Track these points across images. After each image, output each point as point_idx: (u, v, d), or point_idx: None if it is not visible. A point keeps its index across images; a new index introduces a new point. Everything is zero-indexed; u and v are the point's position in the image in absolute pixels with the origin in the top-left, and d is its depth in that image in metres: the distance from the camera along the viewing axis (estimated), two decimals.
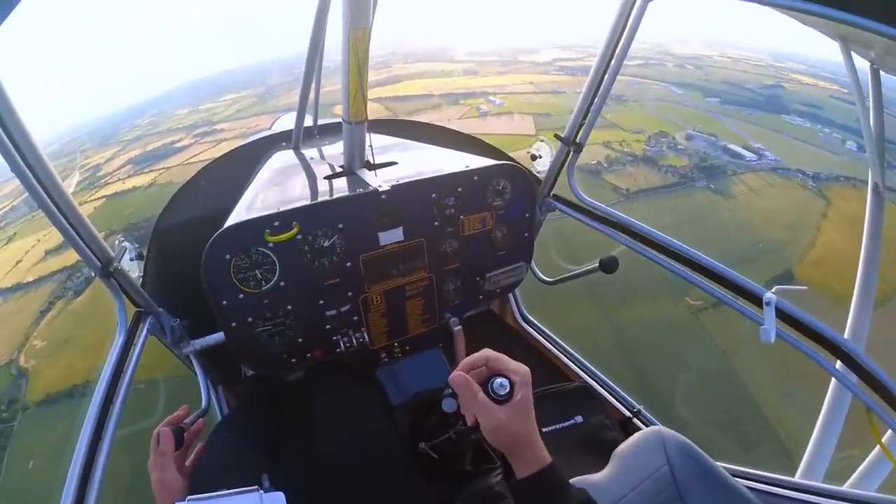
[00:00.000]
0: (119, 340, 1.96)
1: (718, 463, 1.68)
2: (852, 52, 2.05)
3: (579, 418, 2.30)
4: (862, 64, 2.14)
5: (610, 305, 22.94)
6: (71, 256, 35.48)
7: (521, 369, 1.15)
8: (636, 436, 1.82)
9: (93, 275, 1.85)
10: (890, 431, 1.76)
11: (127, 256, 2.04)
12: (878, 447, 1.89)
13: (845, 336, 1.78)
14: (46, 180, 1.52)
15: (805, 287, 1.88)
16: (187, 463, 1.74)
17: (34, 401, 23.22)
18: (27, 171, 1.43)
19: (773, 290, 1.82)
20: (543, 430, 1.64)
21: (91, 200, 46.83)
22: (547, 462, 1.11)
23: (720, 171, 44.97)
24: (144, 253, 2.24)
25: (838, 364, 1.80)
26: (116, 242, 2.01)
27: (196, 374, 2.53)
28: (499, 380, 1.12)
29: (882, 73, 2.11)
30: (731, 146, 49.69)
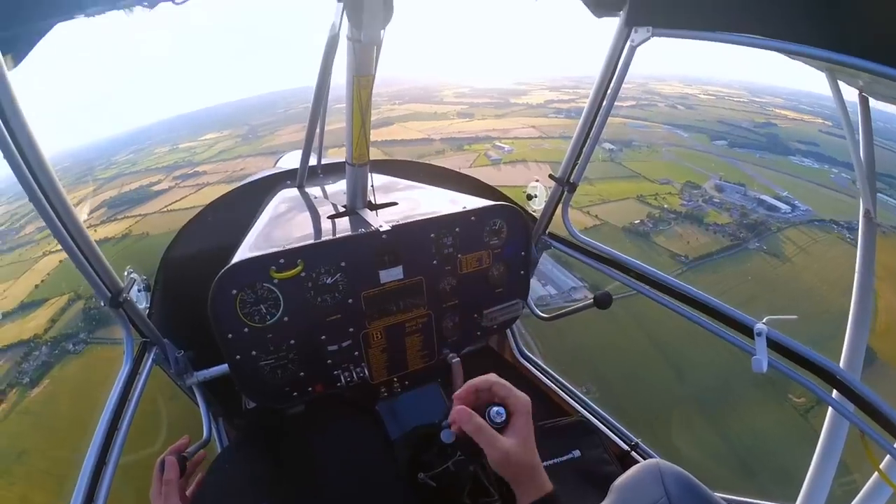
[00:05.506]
0: (125, 370, 2.13)
1: (717, 493, 1.78)
2: (839, 81, 2.25)
3: (577, 452, 2.40)
4: (849, 90, 2.30)
5: (719, 415, 22.75)
6: (29, 327, 33.05)
7: (521, 397, 1.30)
8: (634, 469, 1.91)
9: (102, 304, 2.01)
10: (888, 457, 1.89)
11: (135, 288, 2.24)
12: (876, 473, 1.99)
13: (840, 364, 1.91)
14: (61, 209, 1.70)
15: (795, 316, 2.02)
16: (188, 492, 1.86)
17: None
18: (43, 198, 1.61)
19: (764, 320, 1.99)
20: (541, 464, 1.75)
21: (57, 251, 43.84)
22: (548, 489, 1.24)
23: (764, 227, 46.03)
24: (152, 285, 2.45)
25: (834, 392, 1.94)
26: (125, 273, 2.21)
27: (198, 405, 2.67)
28: (495, 408, 1.28)
29: (871, 100, 2.28)
30: (764, 197, 51.18)
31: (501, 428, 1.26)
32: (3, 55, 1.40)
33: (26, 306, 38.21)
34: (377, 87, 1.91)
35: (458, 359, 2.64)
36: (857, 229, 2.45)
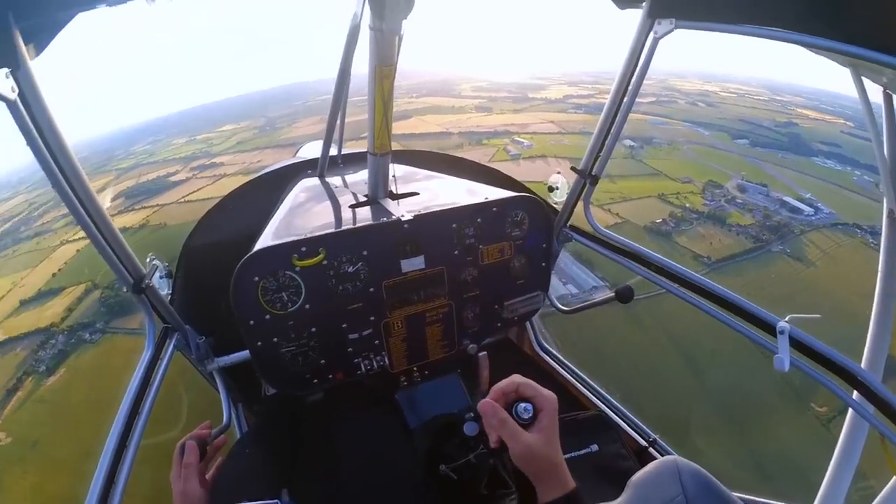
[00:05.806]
0: (146, 355, 2.17)
1: (735, 493, 1.77)
2: (863, 78, 2.20)
3: (595, 447, 2.38)
4: (873, 87, 2.24)
5: (746, 429, 22.42)
6: (47, 315, 33.37)
7: (549, 396, 1.29)
8: (651, 465, 1.90)
9: (124, 290, 2.05)
10: None
11: (157, 274, 2.29)
12: (895, 478, 1.95)
13: (862, 365, 1.88)
14: (84, 196, 1.73)
15: (819, 315, 2.00)
16: (208, 476, 1.90)
17: None
18: (66, 185, 1.63)
19: (787, 318, 1.96)
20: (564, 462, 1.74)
21: (74, 240, 44.09)
22: (571, 487, 1.24)
23: (787, 230, 45.40)
24: (173, 271, 2.50)
25: (855, 394, 1.91)
26: (147, 260, 2.25)
27: (218, 391, 2.73)
28: (522, 404, 1.28)
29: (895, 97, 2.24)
30: (787, 199, 50.44)
31: (528, 424, 1.26)
32: (25, 45, 1.41)
33: (44, 294, 38.66)
34: (395, 80, 1.92)
35: (485, 353, 2.66)
36: (879, 233, 2.39)
